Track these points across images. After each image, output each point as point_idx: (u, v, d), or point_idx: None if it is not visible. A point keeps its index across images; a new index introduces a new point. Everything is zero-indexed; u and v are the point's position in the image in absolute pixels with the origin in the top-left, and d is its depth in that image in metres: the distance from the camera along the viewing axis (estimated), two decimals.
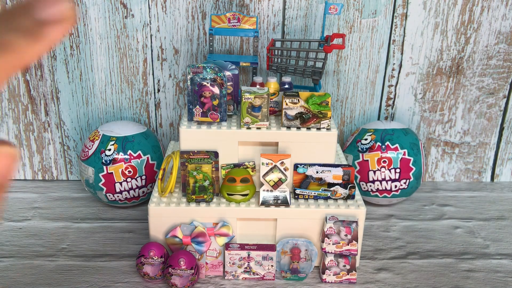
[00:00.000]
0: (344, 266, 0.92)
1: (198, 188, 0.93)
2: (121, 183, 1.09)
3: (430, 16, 1.16)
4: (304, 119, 0.93)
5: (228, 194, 0.94)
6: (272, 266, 0.93)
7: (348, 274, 0.93)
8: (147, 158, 1.10)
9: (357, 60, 1.20)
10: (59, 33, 0.24)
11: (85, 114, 1.22)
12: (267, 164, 0.91)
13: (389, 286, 0.94)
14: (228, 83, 0.95)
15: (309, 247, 0.94)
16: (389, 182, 1.12)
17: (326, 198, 0.96)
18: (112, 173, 1.08)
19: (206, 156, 0.92)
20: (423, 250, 1.05)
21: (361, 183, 1.15)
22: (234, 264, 0.93)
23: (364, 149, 1.13)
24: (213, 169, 0.93)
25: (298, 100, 0.92)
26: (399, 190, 1.14)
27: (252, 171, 0.95)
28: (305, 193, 0.95)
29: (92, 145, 1.09)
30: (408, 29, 1.17)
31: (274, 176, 0.92)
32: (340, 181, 0.95)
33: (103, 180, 1.08)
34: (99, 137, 1.10)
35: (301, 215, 0.94)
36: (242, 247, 0.92)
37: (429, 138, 1.29)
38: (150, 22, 1.14)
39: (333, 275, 0.93)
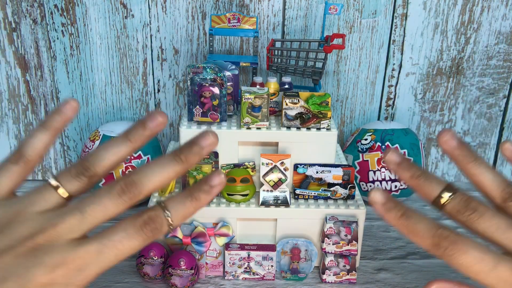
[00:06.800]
0: (344, 266, 0.92)
1: None
2: None
3: (430, 16, 1.16)
4: (304, 119, 0.93)
5: (228, 194, 0.94)
6: (272, 266, 0.93)
7: (348, 274, 0.93)
8: (148, 158, 1.10)
9: (357, 60, 1.20)
10: (215, 193, 0.46)
11: (85, 114, 1.22)
12: (267, 164, 0.91)
13: (389, 286, 0.94)
14: (228, 83, 0.95)
15: (309, 247, 0.94)
16: (389, 182, 1.12)
17: (326, 198, 0.96)
18: (112, 173, 1.08)
19: (206, 156, 0.92)
20: (423, 250, 1.04)
21: (361, 183, 1.15)
22: (234, 264, 0.93)
23: (364, 149, 1.13)
24: (213, 169, 0.93)
25: (298, 100, 0.92)
26: (399, 190, 1.14)
27: (252, 171, 0.95)
28: (305, 193, 0.95)
29: (93, 145, 1.10)
30: (408, 29, 1.17)
31: (274, 176, 0.92)
32: (340, 181, 0.95)
33: (104, 180, 1.08)
34: (99, 137, 1.10)
35: (301, 215, 0.94)
36: (242, 247, 0.92)
37: (429, 138, 1.29)
38: (150, 22, 1.14)
39: (333, 275, 0.93)
